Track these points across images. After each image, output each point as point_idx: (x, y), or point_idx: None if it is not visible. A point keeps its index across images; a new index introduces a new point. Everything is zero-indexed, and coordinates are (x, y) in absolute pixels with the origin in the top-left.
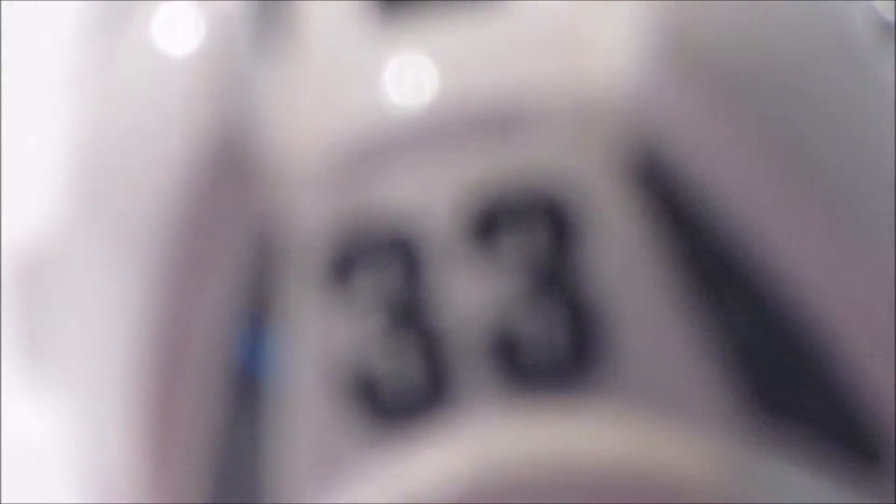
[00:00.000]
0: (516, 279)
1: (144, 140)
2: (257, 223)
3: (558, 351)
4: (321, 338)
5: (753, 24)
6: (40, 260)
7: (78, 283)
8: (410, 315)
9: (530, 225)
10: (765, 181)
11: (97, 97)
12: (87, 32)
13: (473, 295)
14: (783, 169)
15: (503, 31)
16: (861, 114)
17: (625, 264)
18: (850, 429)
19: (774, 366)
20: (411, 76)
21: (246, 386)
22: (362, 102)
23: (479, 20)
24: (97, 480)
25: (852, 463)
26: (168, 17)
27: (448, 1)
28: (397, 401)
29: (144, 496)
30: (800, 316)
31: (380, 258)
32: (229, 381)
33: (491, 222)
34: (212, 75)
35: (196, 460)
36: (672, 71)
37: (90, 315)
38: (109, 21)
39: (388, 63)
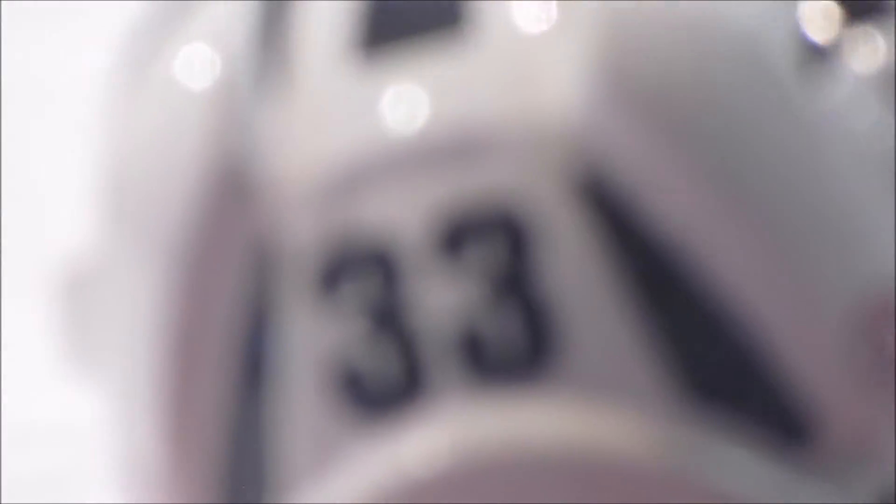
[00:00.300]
0: (479, 285)
1: (163, 167)
2: (257, 238)
3: (517, 347)
4: (313, 338)
5: (682, 62)
6: (81, 273)
7: (111, 290)
8: (389, 318)
9: (491, 238)
10: (693, 194)
11: (125, 128)
12: (118, 69)
13: (443, 300)
14: (709, 183)
15: (468, 69)
16: (779, 132)
17: (574, 270)
18: (778, 410)
19: (708, 355)
20: (388, 110)
21: (251, 378)
22: (346, 133)
23: (447, 60)
24: (129, 456)
25: (782, 440)
26: (185, 59)
27: (420, 42)
28: (380, 393)
29: (166, 471)
30: (730, 310)
31: (362, 269)
32: (236, 374)
33: (457, 237)
34: (219, 111)
35: (209, 441)
36: (613, 104)
37: (121, 318)
38: (138, 59)
39: (369, 99)
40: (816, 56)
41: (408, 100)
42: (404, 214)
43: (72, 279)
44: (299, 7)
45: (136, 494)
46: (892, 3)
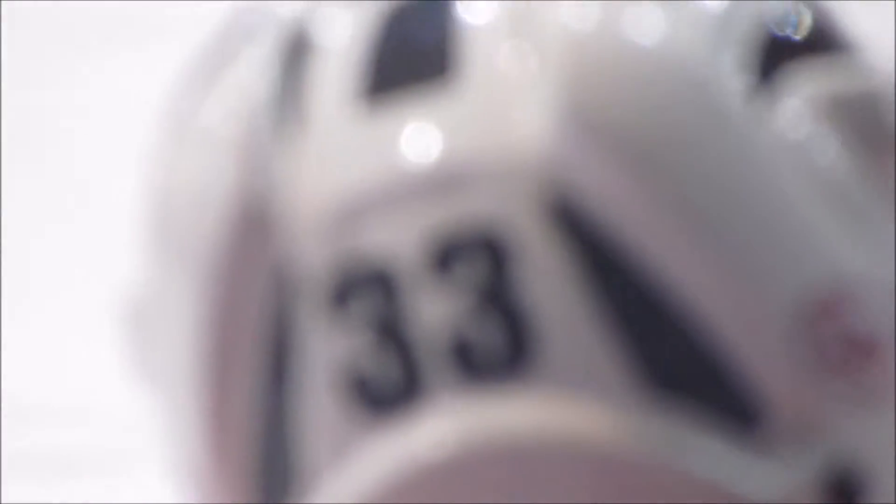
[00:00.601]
0: (466, 298)
1: (198, 205)
2: (277, 264)
3: (500, 350)
4: (326, 349)
5: (639, 101)
6: (136, 299)
7: (158, 314)
8: (390, 329)
9: (475, 258)
10: (650, 213)
11: (167, 172)
12: (162, 122)
13: (435, 312)
14: (663, 203)
15: (453, 113)
16: (726, 155)
17: (547, 282)
18: (731, 398)
19: (667, 352)
20: (386, 150)
21: (276, 385)
22: (349, 172)
23: (436, 106)
24: (179, 452)
25: (736, 424)
26: (215, 112)
27: (413, 90)
28: (385, 394)
29: (209, 470)
30: (685, 312)
31: (366, 288)
32: (263, 382)
33: (446, 257)
34: (243, 157)
35: (243, 442)
36: (578, 140)
37: (167, 337)
38: (177, 113)
39: (369, 141)
40: (761, 88)
41: (402, 141)
42: (401, 239)
43: (130, 307)
44: (312, 63)
45: (188, 491)
46: (835, 39)
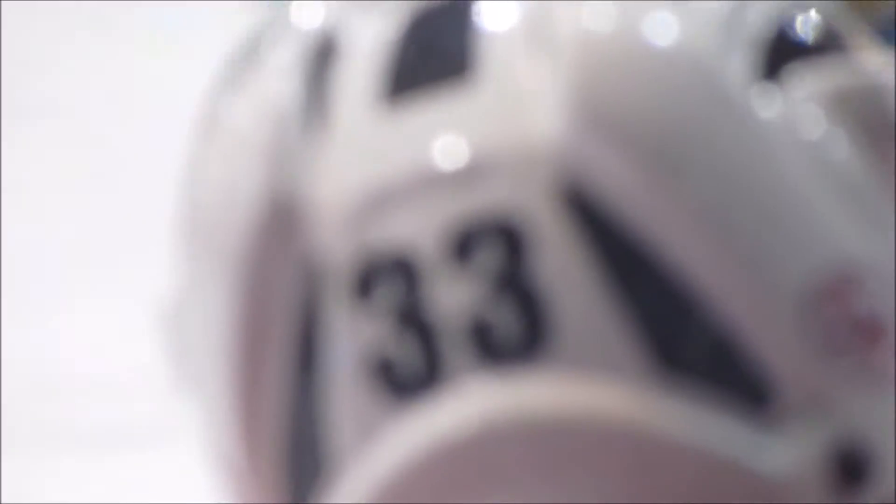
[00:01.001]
0: (485, 283)
1: (230, 201)
2: (304, 256)
3: (517, 334)
4: (352, 335)
5: (647, 94)
6: (172, 302)
7: (192, 309)
8: (412, 315)
9: (493, 245)
10: (660, 200)
11: (199, 170)
12: (198, 123)
13: (455, 297)
14: (673, 190)
15: (472, 110)
16: (733, 145)
17: (561, 266)
18: (741, 377)
19: (679, 333)
20: (407, 145)
21: (305, 372)
22: (372, 167)
23: (455, 103)
24: (213, 440)
25: (746, 402)
26: (245, 113)
27: (433, 89)
28: (408, 377)
29: (242, 458)
30: (696, 293)
31: (389, 276)
32: (293, 369)
33: (464, 245)
34: (272, 155)
35: (274, 428)
36: (588, 132)
37: (199, 328)
38: (210, 114)
39: (391, 137)
40: (769, 84)
41: (423, 138)
42: (421, 230)
43: (166, 310)
44: (337, 66)
45: (221, 472)
46: (840, 38)
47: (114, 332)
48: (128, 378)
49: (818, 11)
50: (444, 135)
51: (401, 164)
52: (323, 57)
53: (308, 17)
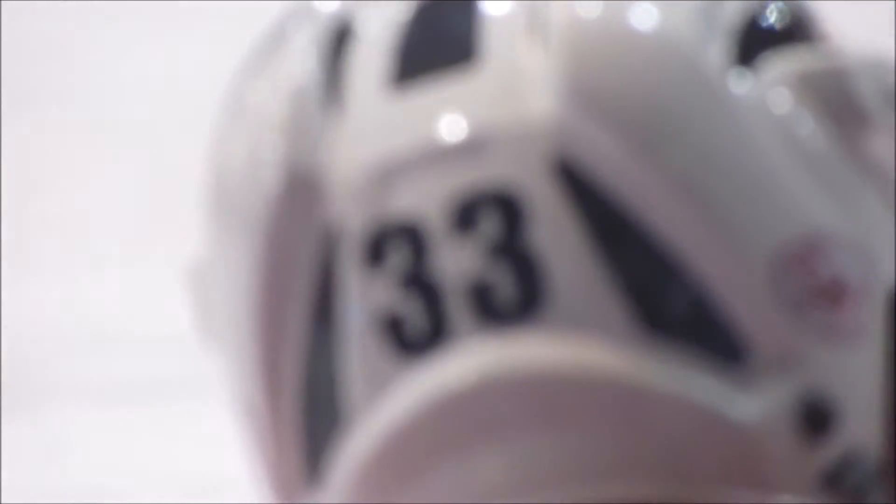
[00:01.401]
0: (485, 249)
1: (253, 172)
2: (322, 223)
3: (514, 296)
4: (365, 296)
5: (635, 79)
6: (199, 264)
7: (218, 270)
8: (419, 278)
9: (492, 214)
10: (643, 172)
11: (225, 144)
12: (224, 103)
13: (458, 262)
14: (655, 163)
15: (474, 91)
16: (710, 121)
17: (555, 233)
18: (718, 336)
19: (661, 295)
20: (415, 123)
21: (322, 329)
22: (383, 142)
23: (459, 86)
24: (239, 394)
25: (721, 359)
26: (267, 92)
27: (439, 73)
28: (415, 336)
29: (264, 404)
30: (677, 259)
31: (397, 243)
32: (311, 326)
33: (467, 214)
34: (291, 131)
35: (294, 378)
36: (581, 111)
37: (225, 290)
38: (234, 93)
39: (401, 115)
40: (743, 67)
41: (429, 116)
42: (427, 200)
43: (194, 272)
44: (351, 49)
45: (245, 422)
46: (809, 28)
47: (145, 291)
48: (159, 335)
49: (789, 4)
50: (448, 114)
51: (408, 140)
52: (339, 40)
53: (326, 3)
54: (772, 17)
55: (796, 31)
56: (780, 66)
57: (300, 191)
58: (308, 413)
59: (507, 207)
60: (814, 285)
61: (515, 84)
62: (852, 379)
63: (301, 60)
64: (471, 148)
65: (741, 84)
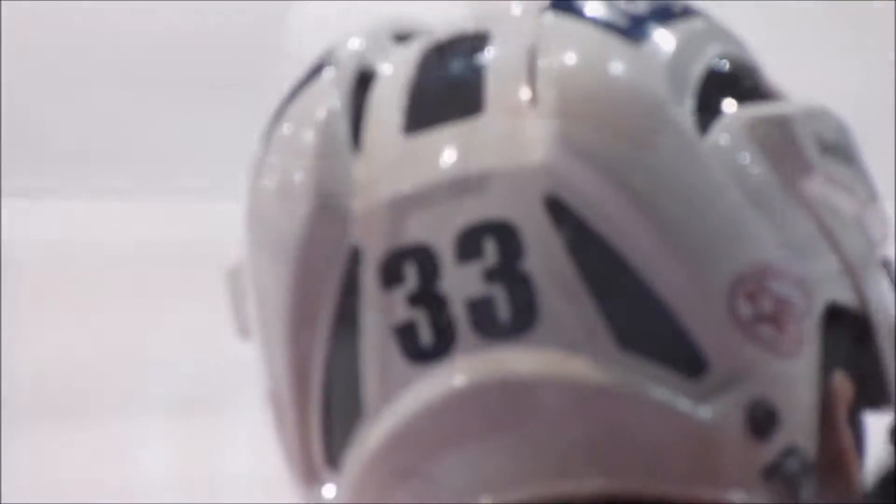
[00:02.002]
0: (485, 273)
1: (283, 194)
2: (346, 243)
3: (509, 315)
4: (383, 309)
5: (612, 124)
6: (237, 264)
7: (253, 284)
8: (429, 296)
9: (492, 242)
10: (620, 208)
11: (260, 174)
12: (260, 140)
13: (462, 283)
14: (631, 201)
15: (478, 134)
16: (679, 165)
17: (545, 262)
18: (681, 354)
19: (634, 317)
20: (427, 163)
21: (344, 335)
22: (400, 178)
23: (466, 133)
24: (270, 388)
25: (683, 374)
26: (295, 130)
27: (449, 120)
28: (424, 344)
29: (291, 398)
30: (649, 287)
31: (412, 265)
32: (334, 333)
33: (471, 241)
34: (320, 157)
35: (318, 377)
36: (568, 155)
37: (260, 301)
38: (267, 132)
39: (415, 156)
40: (703, 113)
41: (438, 157)
42: (438, 229)
43: (233, 271)
44: (372, 89)
45: (274, 414)
46: (759, 79)
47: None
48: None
49: (741, 55)
50: (456, 155)
51: (421, 178)
52: (359, 82)
53: (351, 46)
54: (726, 69)
55: (747, 83)
56: (734, 114)
57: (327, 215)
58: (330, 409)
59: (506, 237)
60: (762, 309)
61: (513, 130)
62: (792, 387)
63: (326, 99)
64: (475, 186)
65: (703, 130)
